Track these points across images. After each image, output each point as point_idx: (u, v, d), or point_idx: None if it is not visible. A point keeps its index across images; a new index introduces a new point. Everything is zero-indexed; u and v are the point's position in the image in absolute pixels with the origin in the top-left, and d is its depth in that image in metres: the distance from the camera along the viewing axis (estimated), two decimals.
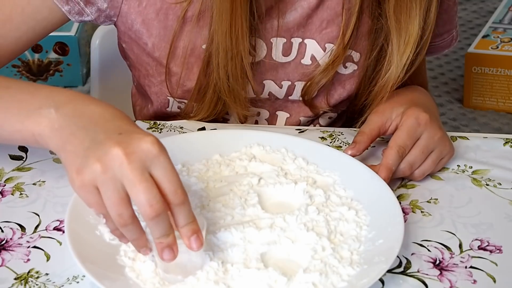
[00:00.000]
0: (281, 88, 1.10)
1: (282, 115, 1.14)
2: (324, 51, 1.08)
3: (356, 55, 1.09)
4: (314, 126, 1.16)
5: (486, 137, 1.07)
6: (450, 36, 1.17)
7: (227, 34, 1.00)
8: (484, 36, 2.55)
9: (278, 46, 1.07)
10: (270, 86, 1.10)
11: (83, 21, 1.07)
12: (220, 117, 1.11)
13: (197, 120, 1.09)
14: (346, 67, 1.10)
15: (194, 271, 0.78)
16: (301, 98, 1.11)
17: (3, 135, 0.86)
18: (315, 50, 1.08)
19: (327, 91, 1.11)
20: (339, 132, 1.07)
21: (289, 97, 1.12)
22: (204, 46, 1.04)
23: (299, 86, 1.10)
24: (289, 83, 1.10)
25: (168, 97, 1.11)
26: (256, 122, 1.14)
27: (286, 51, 1.08)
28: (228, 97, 1.05)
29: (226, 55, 1.01)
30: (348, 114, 1.19)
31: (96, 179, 0.73)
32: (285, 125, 1.14)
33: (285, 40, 1.07)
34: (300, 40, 1.07)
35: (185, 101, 1.10)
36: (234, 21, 0.99)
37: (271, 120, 1.14)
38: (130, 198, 0.74)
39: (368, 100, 1.09)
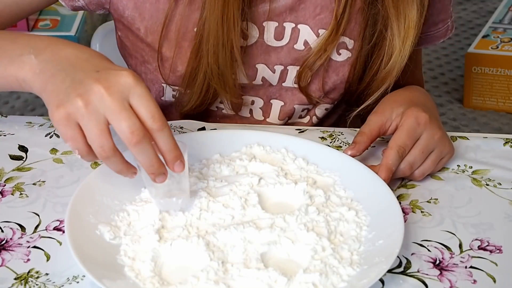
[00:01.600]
0: (274, 73, 1.11)
1: (276, 104, 1.14)
2: (317, 37, 1.08)
3: (350, 42, 1.10)
4: (310, 117, 1.17)
5: (486, 137, 1.07)
6: (445, 26, 1.17)
7: (219, 21, 1.00)
8: (484, 36, 2.55)
9: (270, 30, 1.07)
10: (262, 70, 1.10)
11: (76, 7, 1.08)
12: (212, 105, 1.12)
13: (190, 110, 1.10)
14: (339, 54, 1.10)
15: (179, 194, 0.85)
16: (295, 85, 1.12)
17: None
18: (309, 36, 1.08)
19: (321, 78, 1.11)
20: (339, 132, 1.07)
21: (283, 84, 1.12)
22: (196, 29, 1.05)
23: (292, 71, 1.11)
24: (282, 67, 1.10)
25: (162, 84, 1.11)
26: (251, 111, 1.15)
27: (278, 35, 1.08)
28: (217, 84, 1.06)
29: (217, 41, 1.02)
30: (345, 103, 1.19)
31: (77, 113, 0.78)
32: (279, 113, 1.15)
33: (277, 24, 1.07)
34: (293, 25, 1.08)
35: (179, 88, 1.11)
36: (226, 9, 1.00)
37: (266, 109, 1.15)
38: (110, 131, 0.78)
39: (373, 87, 1.09)
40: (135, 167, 0.83)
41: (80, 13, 2.47)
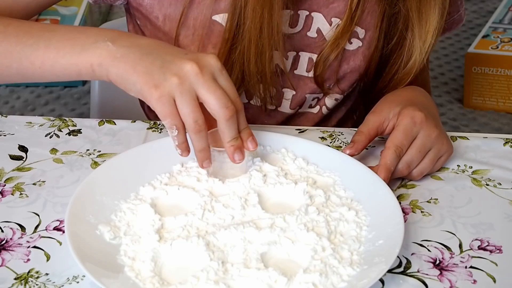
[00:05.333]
0: (286, 59, 1.11)
1: (288, 93, 1.14)
2: (330, 25, 1.09)
3: (361, 32, 1.10)
4: (320, 107, 1.17)
5: (486, 137, 1.07)
6: (451, 19, 1.17)
7: (264, 30, 1.01)
8: (484, 36, 2.55)
9: (286, 18, 1.08)
10: (277, 58, 1.10)
11: (97, 0, 1.09)
12: None
13: None
14: (351, 43, 1.11)
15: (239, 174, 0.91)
16: (306, 74, 1.12)
17: (55, 71, 0.92)
18: (322, 24, 1.09)
19: (333, 66, 1.11)
20: (339, 132, 1.07)
21: (295, 72, 1.12)
22: (215, 17, 1.05)
23: (304, 57, 1.11)
24: (294, 53, 1.11)
25: None
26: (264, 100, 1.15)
27: (293, 23, 1.09)
28: (254, 87, 1.07)
29: (260, 50, 1.02)
30: (363, 99, 1.21)
31: (174, 90, 0.84)
32: (291, 103, 1.15)
33: (292, 12, 1.08)
34: (307, 12, 1.08)
35: None
36: (270, 18, 1.01)
37: (278, 98, 1.15)
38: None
39: (392, 86, 1.11)
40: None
41: (80, 13, 2.47)
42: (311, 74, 1.12)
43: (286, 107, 1.15)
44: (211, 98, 0.85)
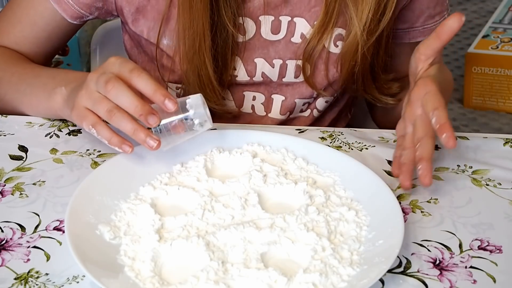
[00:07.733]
0: (273, 67, 1.12)
1: (277, 98, 1.15)
2: None
3: (344, 33, 1.11)
4: (311, 110, 1.18)
5: (486, 137, 1.07)
6: (442, 19, 1.18)
7: (187, 29, 1.03)
8: (484, 36, 2.55)
9: (267, 24, 1.09)
10: (262, 65, 1.11)
11: (86, 21, 1.13)
12: None
13: None
14: (337, 46, 1.11)
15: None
16: (295, 80, 1.13)
17: (42, 112, 1.05)
18: (305, 29, 1.10)
19: (321, 71, 1.12)
20: (339, 132, 1.07)
21: (283, 79, 1.13)
22: None
23: (291, 65, 1.12)
24: (281, 61, 1.11)
25: (165, 83, 1.13)
26: (253, 107, 1.16)
27: (275, 29, 1.10)
28: (194, 91, 1.07)
29: (188, 49, 1.05)
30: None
31: (84, 101, 0.90)
32: (281, 108, 1.16)
33: (273, 18, 1.09)
34: (289, 18, 1.09)
35: (181, 85, 1.12)
36: (194, 16, 1.02)
37: (267, 104, 1.16)
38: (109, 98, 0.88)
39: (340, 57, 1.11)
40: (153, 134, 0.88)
41: None
42: (299, 79, 1.13)
43: (276, 113, 1.16)
44: (98, 87, 0.89)
